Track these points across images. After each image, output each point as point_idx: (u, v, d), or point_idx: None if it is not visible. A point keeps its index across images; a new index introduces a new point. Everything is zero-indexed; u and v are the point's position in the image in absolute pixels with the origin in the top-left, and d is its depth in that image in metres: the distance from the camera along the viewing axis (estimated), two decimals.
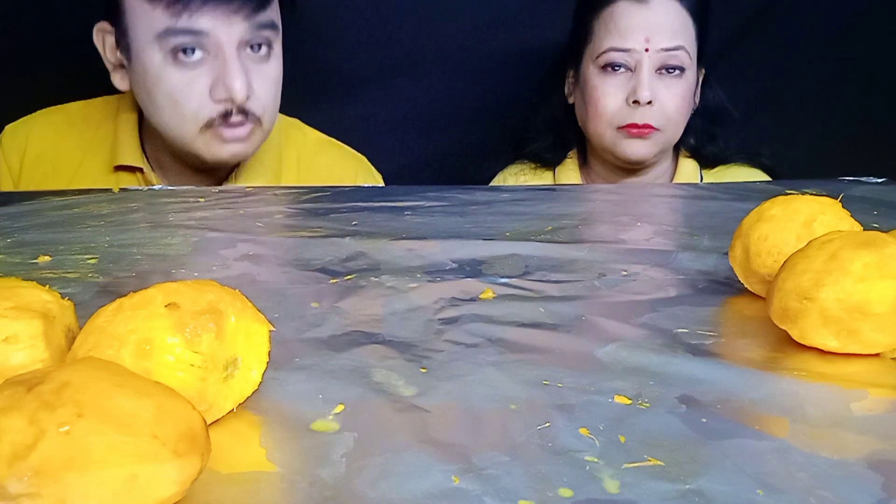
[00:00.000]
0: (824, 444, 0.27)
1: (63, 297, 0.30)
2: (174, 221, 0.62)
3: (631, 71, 0.91)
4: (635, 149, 0.92)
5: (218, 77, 0.79)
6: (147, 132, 0.89)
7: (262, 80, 0.82)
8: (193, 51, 0.78)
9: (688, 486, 0.24)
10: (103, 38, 0.84)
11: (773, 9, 1.17)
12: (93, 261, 0.50)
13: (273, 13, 0.83)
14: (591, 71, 0.94)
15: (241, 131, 0.82)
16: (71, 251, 0.52)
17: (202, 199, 0.72)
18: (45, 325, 0.28)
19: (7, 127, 0.92)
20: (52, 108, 0.93)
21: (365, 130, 1.09)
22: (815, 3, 1.16)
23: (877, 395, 0.31)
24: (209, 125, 0.80)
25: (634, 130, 0.91)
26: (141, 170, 0.88)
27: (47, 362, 0.27)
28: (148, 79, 0.80)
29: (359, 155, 0.99)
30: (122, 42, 0.81)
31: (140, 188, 0.80)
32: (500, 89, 1.16)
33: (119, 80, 0.85)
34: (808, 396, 0.30)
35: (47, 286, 0.30)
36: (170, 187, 0.81)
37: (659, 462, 0.25)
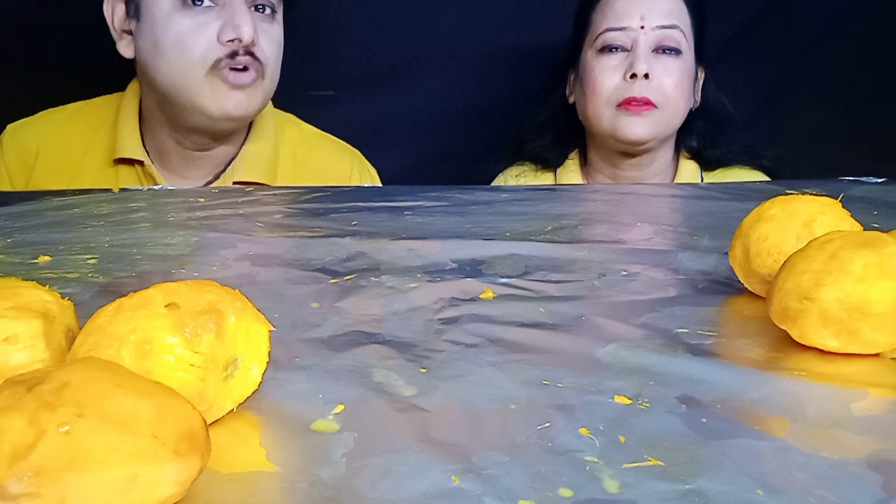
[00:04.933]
0: (824, 444, 0.27)
1: (63, 297, 0.30)
2: (174, 221, 0.62)
3: (627, 51, 0.93)
4: (634, 128, 0.92)
5: (226, 21, 0.82)
6: (148, 123, 0.91)
7: (266, 37, 0.86)
8: (202, 1, 0.82)
9: (688, 486, 0.24)
10: (112, 6, 0.87)
11: (773, 10, 1.17)
12: (93, 261, 0.50)
13: None
14: (589, 56, 0.95)
15: (246, 77, 0.84)
16: (71, 251, 0.52)
17: (202, 199, 0.72)
18: (45, 325, 0.28)
19: (8, 127, 0.93)
20: (53, 108, 0.95)
21: (365, 130, 1.09)
22: (814, 4, 1.16)
23: (877, 395, 0.31)
24: (215, 67, 0.83)
25: (633, 105, 0.91)
26: (141, 162, 0.90)
27: (47, 362, 0.27)
28: (157, 27, 0.83)
29: (353, 149, 1.01)
30: (132, 3, 0.85)
31: (140, 188, 0.80)
32: (500, 90, 1.16)
33: (125, 47, 0.88)
34: (808, 396, 0.30)
35: (47, 286, 0.30)
36: (169, 187, 0.81)
37: (659, 462, 0.25)
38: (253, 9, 0.85)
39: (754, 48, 1.17)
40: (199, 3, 0.82)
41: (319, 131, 1.01)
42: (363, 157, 1.02)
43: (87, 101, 0.95)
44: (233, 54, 0.83)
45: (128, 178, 0.90)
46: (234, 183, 0.91)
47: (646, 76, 0.91)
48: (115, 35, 0.88)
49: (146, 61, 0.86)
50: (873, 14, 1.16)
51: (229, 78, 0.83)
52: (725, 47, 1.14)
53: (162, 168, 0.91)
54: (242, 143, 0.93)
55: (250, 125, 0.94)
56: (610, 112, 0.93)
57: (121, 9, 0.87)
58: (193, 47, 0.82)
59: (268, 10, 0.86)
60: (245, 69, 0.84)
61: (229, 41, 0.82)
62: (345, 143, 1.01)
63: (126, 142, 0.90)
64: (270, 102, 0.95)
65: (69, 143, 0.92)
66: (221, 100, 0.84)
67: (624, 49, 0.93)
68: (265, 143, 0.94)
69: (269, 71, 0.86)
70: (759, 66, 1.18)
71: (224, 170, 0.92)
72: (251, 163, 0.92)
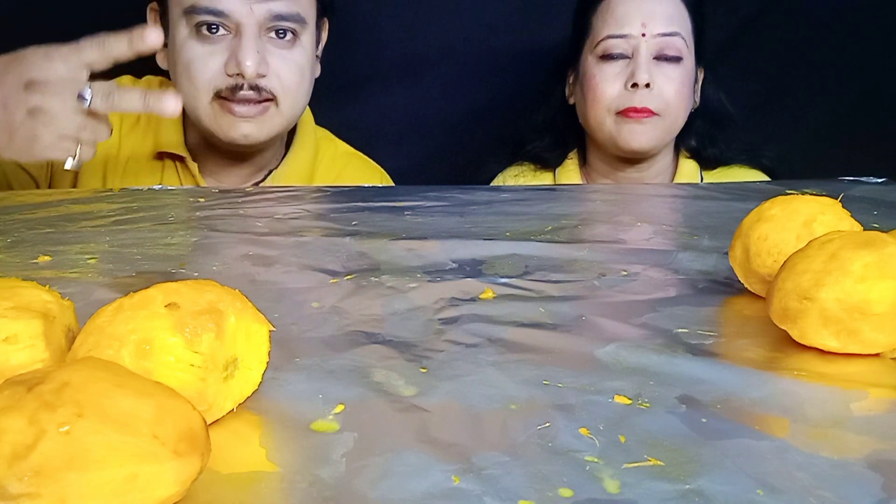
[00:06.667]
0: (824, 444, 0.27)
1: (63, 297, 0.30)
2: (174, 221, 0.62)
3: (629, 58, 0.92)
4: (636, 136, 0.92)
5: (232, 54, 0.82)
6: (189, 122, 0.92)
7: (283, 64, 0.85)
8: (217, 29, 0.83)
9: (688, 486, 0.24)
10: (154, 17, 0.89)
11: (773, 9, 1.17)
12: (93, 261, 0.50)
13: (299, 6, 0.86)
14: (589, 62, 0.95)
15: (252, 109, 0.84)
16: (71, 251, 0.52)
17: (202, 199, 0.72)
18: (45, 325, 0.28)
19: None
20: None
21: (366, 130, 1.09)
22: (814, 4, 1.16)
23: (877, 395, 0.31)
24: (218, 96, 0.84)
25: (634, 114, 0.91)
26: (182, 158, 0.91)
27: (47, 362, 0.27)
28: (174, 51, 0.85)
29: (380, 168, 1.03)
30: (164, 20, 0.87)
31: (140, 188, 0.80)
32: (500, 90, 1.16)
33: (161, 59, 0.89)
34: (808, 396, 0.30)
35: (47, 286, 0.30)
36: (170, 187, 0.82)
37: (659, 462, 0.25)
38: (274, 34, 0.84)
39: (754, 48, 1.17)
40: (215, 30, 0.83)
41: (351, 149, 1.03)
42: (387, 175, 1.04)
43: (137, 80, 0.96)
44: (236, 87, 0.83)
45: (169, 171, 0.91)
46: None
47: (647, 85, 0.90)
48: None
49: (171, 77, 0.88)
50: (873, 14, 1.16)
51: (234, 109, 0.84)
52: (725, 47, 1.14)
53: (203, 169, 0.92)
54: (283, 155, 0.95)
55: (291, 138, 0.95)
56: (611, 119, 0.93)
57: (158, 20, 0.89)
58: (199, 76, 0.83)
59: (288, 36, 0.85)
60: (251, 100, 0.84)
61: (234, 74, 0.82)
62: (372, 162, 1.03)
63: (167, 135, 0.91)
64: (311, 117, 0.96)
65: (115, 122, 0.91)
66: (227, 129, 0.85)
67: (625, 56, 0.92)
68: (305, 158, 0.96)
69: (284, 98, 0.86)
70: (759, 66, 1.17)
71: (264, 179, 0.94)
72: (290, 175, 0.94)
